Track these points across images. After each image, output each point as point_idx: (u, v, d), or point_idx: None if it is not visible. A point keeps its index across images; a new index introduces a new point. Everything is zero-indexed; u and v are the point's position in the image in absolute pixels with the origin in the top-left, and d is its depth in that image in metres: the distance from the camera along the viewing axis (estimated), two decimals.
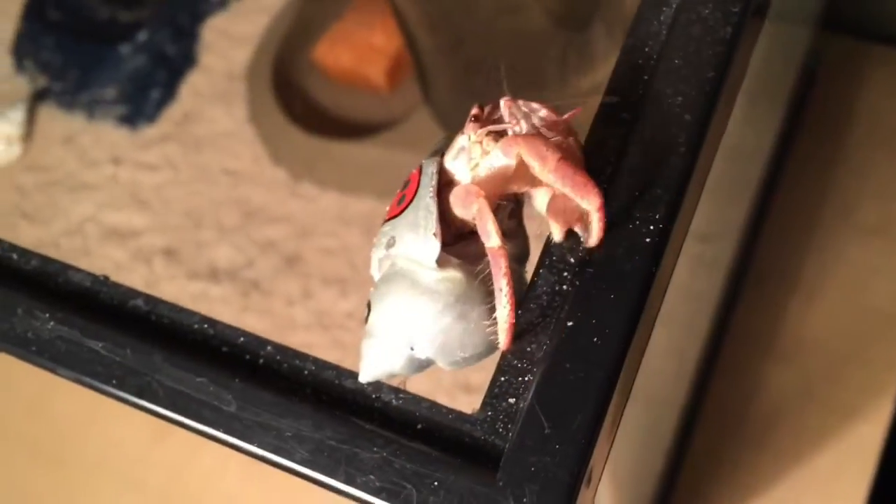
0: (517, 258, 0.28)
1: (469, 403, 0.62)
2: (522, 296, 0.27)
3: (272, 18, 0.69)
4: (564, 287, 0.26)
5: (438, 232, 0.26)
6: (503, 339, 0.26)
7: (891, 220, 0.61)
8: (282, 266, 0.62)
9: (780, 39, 0.51)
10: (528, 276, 0.28)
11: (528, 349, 0.26)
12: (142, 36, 0.70)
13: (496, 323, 0.26)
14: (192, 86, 0.69)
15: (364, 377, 0.27)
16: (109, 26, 0.71)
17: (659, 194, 0.26)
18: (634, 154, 0.27)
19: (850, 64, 0.65)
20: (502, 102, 0.28)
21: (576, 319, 0.25)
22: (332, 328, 0.60)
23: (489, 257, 0.25)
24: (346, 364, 0.65)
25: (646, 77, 0.28)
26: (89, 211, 0.66)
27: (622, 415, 0.26)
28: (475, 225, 0.26)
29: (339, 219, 0.63)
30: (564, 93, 0.57)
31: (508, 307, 0.25)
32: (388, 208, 0.29)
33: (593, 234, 0.26)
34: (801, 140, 0.64)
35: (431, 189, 0.27)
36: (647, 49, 0.28)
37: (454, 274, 0.26)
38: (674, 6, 0.28)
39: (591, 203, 0.25)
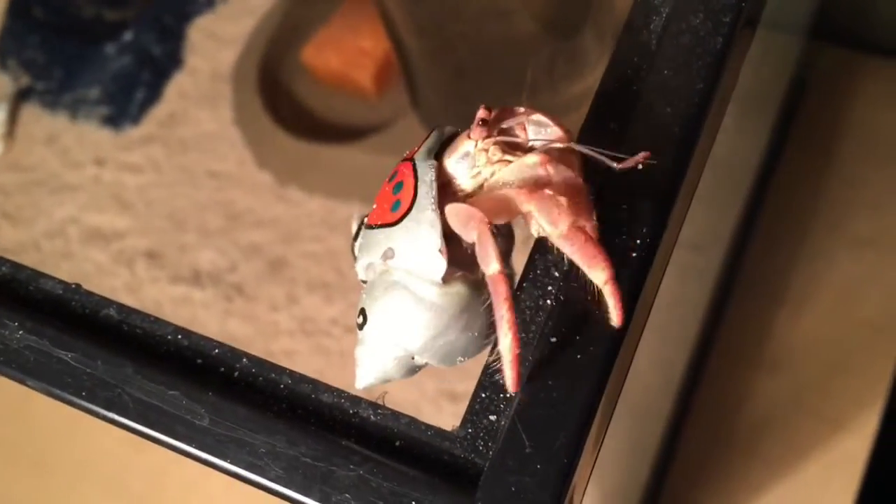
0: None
1: (454, 413, 0.61)
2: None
3: (259, 20, 0.68)
4: (548, 302, 0.25)
5: (444, 249, 0.25)
6: (510, 377, 0.24)
7: (881, 232, 0.60)
8: (266, 271, 0.62)
9: (770, 50, 0.51)
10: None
11: None
12: (127, 36, 0.69)
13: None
14: (178, 87, 0.68)
15: (361, 384, 0.27)
16: (95, 25, 0.70)
17: (646, 208, 0.26)
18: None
19: (841, 75, 0.65)
20: (523, 117, 0.26)
21: (559, 335, 0.25)
22: (316, 334, 0.59)
23: (488, 283, 0.24)
24: (328, 371, 0.65)
25: (635, 88, 0.27)
26: (71, 212, 0.66)
27: (606, 432, 0.26)
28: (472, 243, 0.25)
29: (325, 223, 0.62)
30: (554, 99, 0.56)
31: (510, 335, 0.24)
32: (374, 206, 0.27)
33: (612, 313, 0.24)
34: (791, 150, 0.63)
35: (433, 201, 0.26)
36: (636, 59, 0.27)
37: (458, 288, 0.26)
38: (664, 15, 0.28)
39: (598, 276, 0.24)
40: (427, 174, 0.26)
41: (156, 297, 0.62)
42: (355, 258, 0.28)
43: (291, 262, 0.62)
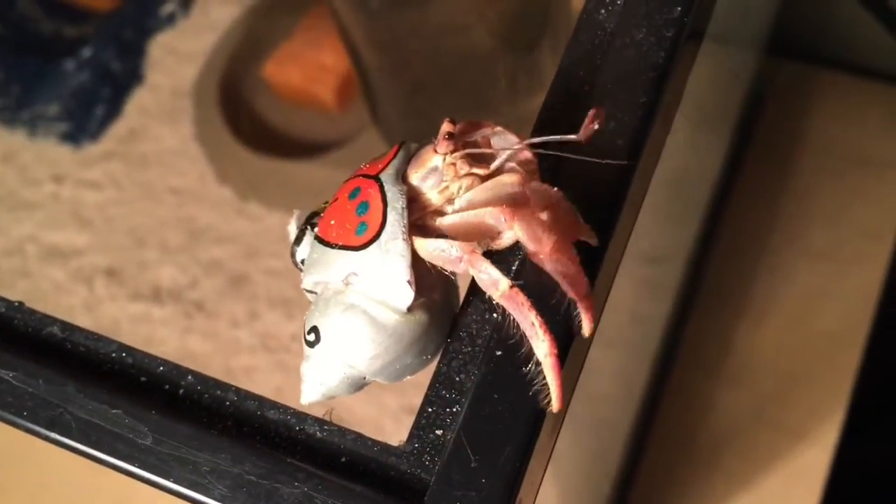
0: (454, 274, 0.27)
1: None
2: (456, 311, 0.26)
3: (220, 36, 0.68)
4: (494, 315, 0.25)
5: (413, 280, 0.25)
6: (554, 387, 0.23)
7: (838, 244, 0.61)
8: (227, 287, 0.61)
9: (723, 63, 0.51)
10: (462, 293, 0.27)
11: (457, 379, 0.25)
12: (86, 51, 0.69)
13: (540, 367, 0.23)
14: (138, 103, 0.68)
15: (306, 400, 0.27)
16: (53, 41, 0.70)
17: (592, 220, 0.26)
18: (568, 176, 0.26)
19: (798, 89, 0.66)
20: (490, 132, 0.26)
21: (505, 349, 0.25)
22: (277, 351, 0.59)
23: (505, 302, 0.24)
24: (288, 388, 0.64)
25: (579, 100, 0.27)
26: (29, 230, 0.65)
27: (555, 445, 0.26)
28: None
29: (286, 239, 0.62)
30: (513, 114, 0.56)
31: (546, 340, 0.23)
32: (331, 221, 0.26)
33: (584, 325, 0.24)
34: (749, 164, 0.64)
35: (404, 230, 0.25)
36: (581, 73, 0.27)
37: (419, 315, 0.25)
38: (608, 30, 0.28)
39: (576, 293, 0.24)
40: (398, 200, 0.25)
41: (115, 315, 0.61)
42: (297, 264, 0.28)
43: (252, 279, 0.61)
